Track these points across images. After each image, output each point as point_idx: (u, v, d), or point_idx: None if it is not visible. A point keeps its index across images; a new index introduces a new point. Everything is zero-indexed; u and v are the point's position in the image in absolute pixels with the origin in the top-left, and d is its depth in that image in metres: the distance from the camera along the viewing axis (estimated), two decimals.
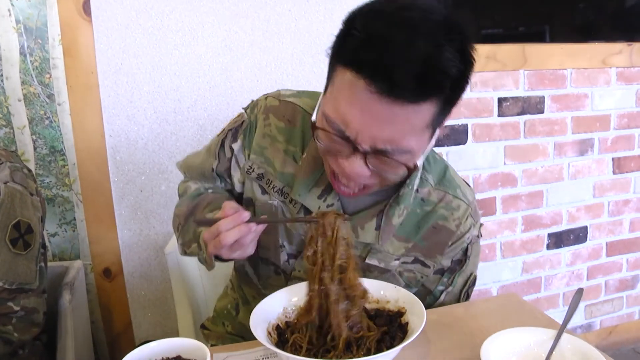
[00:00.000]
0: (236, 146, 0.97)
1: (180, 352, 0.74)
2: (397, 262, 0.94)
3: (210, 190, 1.02)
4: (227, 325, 1.13)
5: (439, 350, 0.83)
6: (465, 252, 0.98)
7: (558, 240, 2.15)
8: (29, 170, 1.09)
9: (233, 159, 0.98)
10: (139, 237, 1.63)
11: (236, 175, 0.99)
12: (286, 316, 0.85)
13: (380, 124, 0.70)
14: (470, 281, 1.02)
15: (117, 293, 1.64)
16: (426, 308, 0.79)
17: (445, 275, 1.00)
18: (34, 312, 1.03)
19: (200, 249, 0.89)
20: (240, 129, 0.98)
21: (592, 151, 2.12)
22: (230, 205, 0.80)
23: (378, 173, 0.78)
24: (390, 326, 0.81)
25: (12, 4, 1.41)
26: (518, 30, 2.06)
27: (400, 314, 0.84)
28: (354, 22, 0.72)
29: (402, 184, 0.90)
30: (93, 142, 1.53)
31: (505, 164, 2.00)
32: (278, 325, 0.83)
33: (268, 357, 0.82)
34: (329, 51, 0.77)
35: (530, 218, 2.09)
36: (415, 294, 0.87)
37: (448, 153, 1.90)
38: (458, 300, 1.03)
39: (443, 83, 0.69)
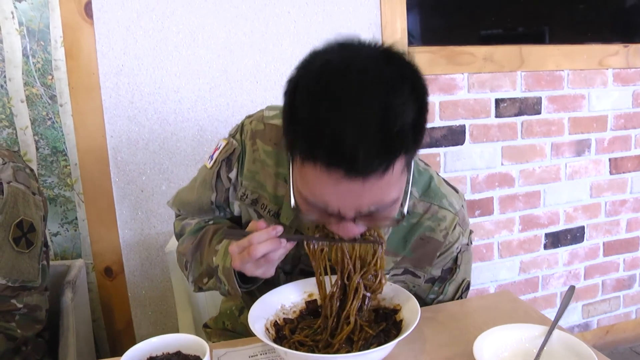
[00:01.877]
0: (233, 175, 0.98)
1: (180, 347, 0.76)
2: (387, 275, 0.94)
3: (211, 222, 1.03)
4: (227, 325, 1.15)
5: (433, 346, 0.85)
6: (456, 260, 0.99)
7: (555, 240, 2.17)
8: (31, 170, 1.11)
9: (231, 188, 0.99)
10: (140, 237, 1.65)
11: (235, 202, 1.00)
12: (284, 313, 0.87)
13: (358, 197, 0.69)
14: (463, 287, 1.03)
15: (118, 292, 1.65)
16: None
17: (436, 284, 1.01)
18: (37, 309, 1.05)
19: (220, 282, 0.89)
20: (233, 157, 0.97)
21: (589, 152, 2.13)
22: (259, 222, 0.80)
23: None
24: (385, 323, 0.83)
25: (15, 7, 1.43)
26: (515, 31, 2.07)
27: (395, 311, 0.86)
28: (296, 105, 0.68)
29: None
30: (94, 143, 1.55)
31: (502, 164, 2.01)
32: (276, 321, 0.85)
33: (266, 353, 0.84)
34: (284, 122, 0.72)
35: (528, 218, 2.10)
36: None
37: (446, 154, 1.92)
38: None
39: (405, 139, 0.67)
